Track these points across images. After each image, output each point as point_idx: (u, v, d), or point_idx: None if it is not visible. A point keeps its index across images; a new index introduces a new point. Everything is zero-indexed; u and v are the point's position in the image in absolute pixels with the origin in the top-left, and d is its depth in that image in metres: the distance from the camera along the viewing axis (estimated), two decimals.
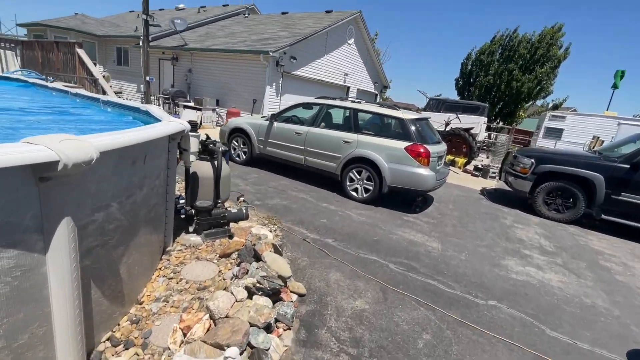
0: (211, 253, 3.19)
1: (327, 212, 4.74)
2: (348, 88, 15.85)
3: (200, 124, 11.21)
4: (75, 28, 15.47)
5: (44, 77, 8.22)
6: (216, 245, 3.45)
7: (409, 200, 5.76)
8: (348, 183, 5.50)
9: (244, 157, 6.87)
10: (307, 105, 6.37)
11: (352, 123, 5.54)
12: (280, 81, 11.43)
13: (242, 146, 6.90)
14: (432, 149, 5.04)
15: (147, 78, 6.48)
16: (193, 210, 3.41)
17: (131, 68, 15.64)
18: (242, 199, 4.84)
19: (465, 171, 9.67)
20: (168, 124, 2.48)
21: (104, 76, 10.59)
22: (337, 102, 5.96)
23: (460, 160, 9.68)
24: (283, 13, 15.99)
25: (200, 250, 3.22)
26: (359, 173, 5.37)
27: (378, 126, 5.60)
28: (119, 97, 11.05)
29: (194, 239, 3.44)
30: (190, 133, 3.15)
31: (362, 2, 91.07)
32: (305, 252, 3.51)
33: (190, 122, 3.27)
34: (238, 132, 6.87)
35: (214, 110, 11.71)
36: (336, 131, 5.63)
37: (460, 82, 21.44)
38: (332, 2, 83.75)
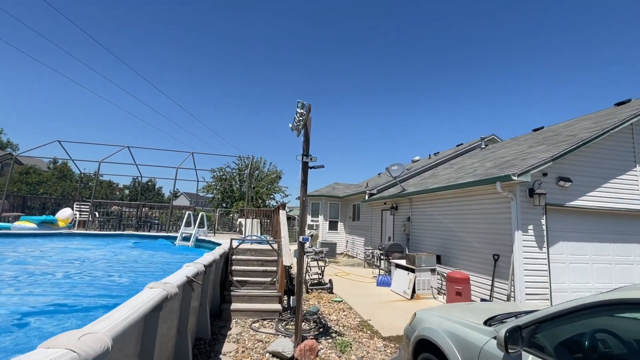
0: None
1: None
2: None
3: (414, 292, 7.75)
4: (325, 194, 18.16)
5: (263, 239, 8.23)
6: None
7: None
8: None
9: None
10: None
11: None
12: (544, 220, 6.52)
13: None
14: None
15: (301, 239, 4.28)
16: None
17: (361, 222, 15.58)
18: None
19: None
20: None
21: (311, 235, 10.16)
22: None
23: None
24: (535, 130, 11.70)
25: None
26: None
27: None
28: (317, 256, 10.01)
29: None
30: None
31: None
32: None
33: None
34: (428, 351, 2.91)
35: (433, 270, 8.08)
36: None
37: None
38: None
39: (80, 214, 11.96)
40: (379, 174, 25.28)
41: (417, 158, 21.10)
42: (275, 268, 7.02)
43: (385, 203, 12.72)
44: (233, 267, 6.87)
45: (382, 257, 10.69)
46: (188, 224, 9.30)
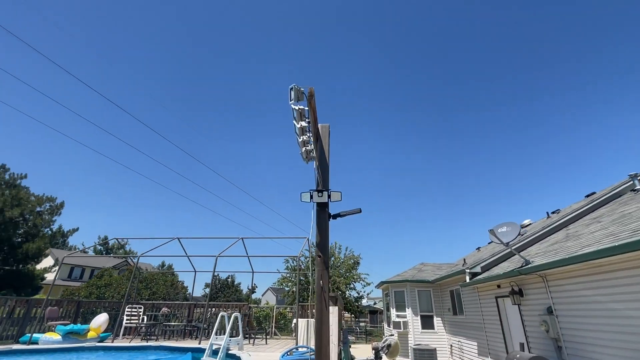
0: None
1: None
2: None
3: None
4: (409, 279, 14.30)
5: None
6: None
7: None
8: None
9: None
10: None
11: None
12: None
13: None
14: None
15: None
16: None
17: (466, 317, 11.07)
18: None
19: None
20: None
21: (388, 345, 6.64)
22: None
23: None
24: None
25: None
26: None
27: None
28: None
29: None
30: None
31: None
32: None
33: None
34: None
35: None
36: None
37: None
38: None
39: (130, 319, 10.78)
40: (477, 248, 20.27)
41: (527, 222, 16.18)
42: None
43: (499, 286, 8.64)
44: None
45: None
46: (222, 331, 6.99)
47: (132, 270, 18.68)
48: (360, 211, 2.64)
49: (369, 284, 32.07)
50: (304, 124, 2.64)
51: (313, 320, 8.37)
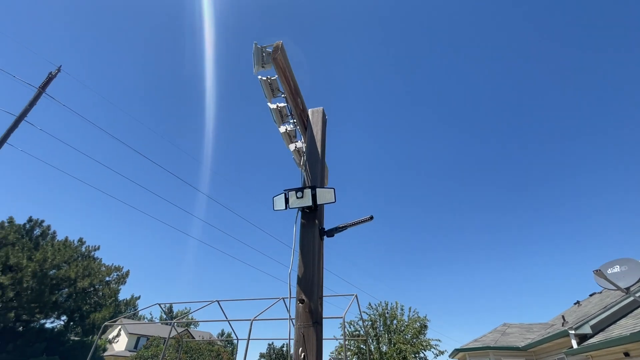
0: None
1: None
2: None
3: None
4: (491, 345, 11.47)
5: None
6: None
7: None
8: None
9: None
10: None
11: None
12: None
13: None
14: None
15: None
16: None
17: None
18: None
19: None
20: None
21: None
22: None
23: None
24: None
25: None
26: None
27: None
28: None
29: None
30: None
31: None
32: None
33: None
34: None
35: None
36: None
37: None
38: None
39: None
40: (576, 302, 16.35)
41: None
42: None
43: (627, 354, 6.17)
44: None
45: None
46: None
47: (177, 339, 18.11)
48: (372, 218, 1.67)
49: (442, 353, 27.20)
50: (281, 104, 1.89)
51: None
